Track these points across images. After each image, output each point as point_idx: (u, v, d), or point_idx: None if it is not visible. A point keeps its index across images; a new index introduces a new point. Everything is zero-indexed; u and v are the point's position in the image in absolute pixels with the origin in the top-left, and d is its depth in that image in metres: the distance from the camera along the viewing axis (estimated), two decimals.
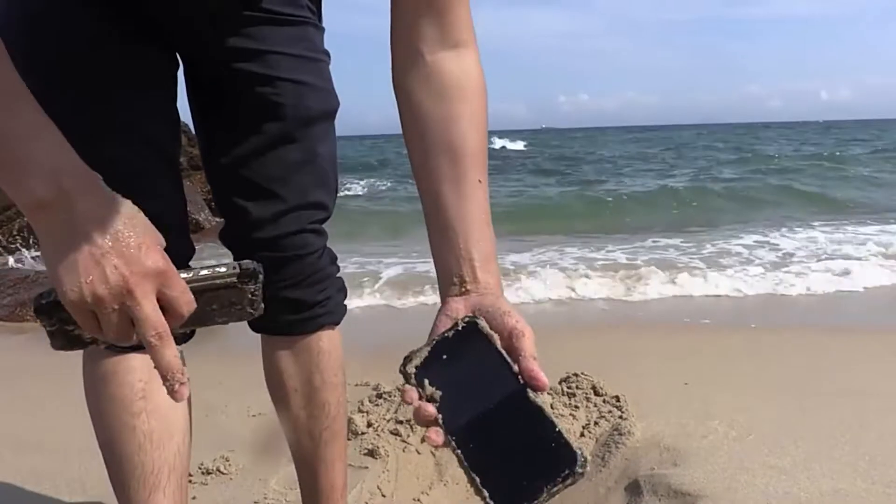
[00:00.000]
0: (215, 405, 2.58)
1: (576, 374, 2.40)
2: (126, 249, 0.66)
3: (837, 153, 19.88)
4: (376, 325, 4.08)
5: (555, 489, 0.65)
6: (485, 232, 0.81)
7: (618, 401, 2.26)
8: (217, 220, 8.41)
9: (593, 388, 2.32)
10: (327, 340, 1.31)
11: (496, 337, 0.74)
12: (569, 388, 2.33)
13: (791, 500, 1.64)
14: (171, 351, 0.68)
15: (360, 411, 2.22)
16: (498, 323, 0.74)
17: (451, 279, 0.79)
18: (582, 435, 2.10)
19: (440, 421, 0.71)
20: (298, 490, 1.72)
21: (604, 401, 2.27)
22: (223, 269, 0.74)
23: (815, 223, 7.53)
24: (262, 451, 2.14)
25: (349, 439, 2.11)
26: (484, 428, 0.70)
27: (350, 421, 2.15)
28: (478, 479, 0.67)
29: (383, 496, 1.88)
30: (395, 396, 2.24)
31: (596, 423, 2.16)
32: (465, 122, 0.85)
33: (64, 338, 0.72)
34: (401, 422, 2.12)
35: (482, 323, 0.75)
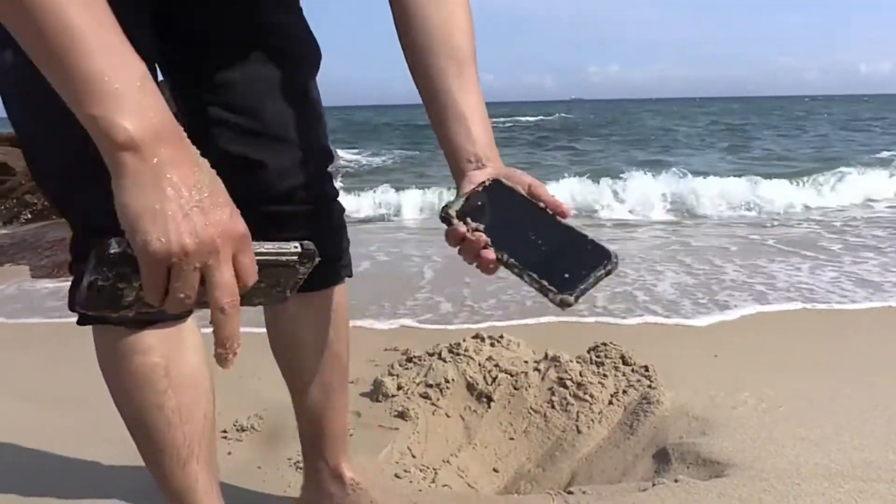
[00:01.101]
0: (247, 369, 2.63)
1: (604, 344, 2.40)
2: (214, 207, 0.63)
3: None
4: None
5: (599, 275, 0.79)
6: (487, 120, 0.96)
7: (647, 370, 2.26)
8: None
9: (622, 357, 2.32)
10: (339, 293, 1.32)
11: (519, 187, 0.89)
12: (597, 356, 2.33)
13: (821, 470, 1.64)
14: (237, 320, 0.67)
15: (391, 374, 2.25)
16: (517, 180, 0.90)
17: (466, 159, 0.93)
18: (610, 403, 2.11)
19: (489, 244, 0.84)
20: None
21: (632, 370, 2.27)
22: (287, 248, 0.72)
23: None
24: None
25: (380, 401, 2.15)
26: (528, 243, 0.83)
27: (380, 384, 2.19)
28: (535, 274, 0.80)
29: (413, 457, 1.92)
30: (424, 360, 2.27)
31: (625, 392, 2.16)
32: (464, 25, 0.98)
33: (107, 297, 0.66)
34: (430, 385, 2.15)
35: (504, 179, 0.90)
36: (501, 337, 2.41)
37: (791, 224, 6.22)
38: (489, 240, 0.83)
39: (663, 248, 5.13)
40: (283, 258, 0.72)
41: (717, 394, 2.20)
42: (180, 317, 1.07)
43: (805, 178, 8.46)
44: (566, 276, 0.79)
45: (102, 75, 0.60)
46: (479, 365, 2.22)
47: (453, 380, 2.17)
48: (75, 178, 0.93)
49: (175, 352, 1.07)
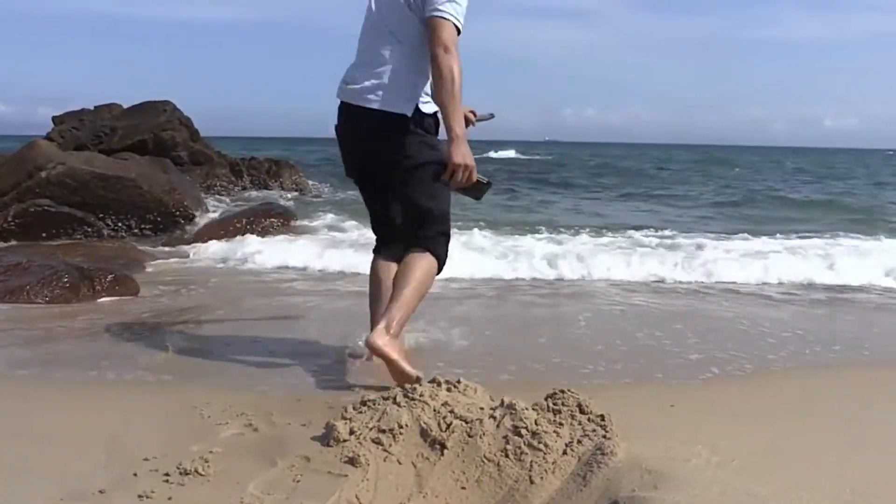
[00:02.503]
0: (198, 398, 2.57)
1: (562, 391, 2.38)
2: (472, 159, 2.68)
3: None
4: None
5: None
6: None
7: (602, 420, 2.24)
8: (209, 215, 8.38)
9: (579, 405, 2.31)
10: (413, 256, 2.78)
11: None
12: (554, 404, 2.31)
13: None
14: (474, 176, 2.71)
15: (344, 418, 2.20)
16: None
17: None
18: (564, 453, 2.09)
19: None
20: (275, 496, 1.72)
21: (588, 419, 2.25)
22: (483, 178, 2.77)
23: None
24: (244, 453, 2.13)
25: (331, 446, 2.10)
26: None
27: (332, 428, 2.14)
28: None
29: None
30: (379, 404, 2.23)
31: (579, 442, 2.14)
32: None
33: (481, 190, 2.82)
34: (383, 430, 2.10)
35: None
36: (458, 382, 2.38)
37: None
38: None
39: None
40: (482, 179, 2.77)
41: (672, 445, 2.20)
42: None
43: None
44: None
45: (461, 123, 2.66)
46: (434, 410, 2.19)
47: (407, 425, 2.13)
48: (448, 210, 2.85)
49: (393, 266, 2.92)
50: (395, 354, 2.59)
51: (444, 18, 2.56)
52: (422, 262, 2.74)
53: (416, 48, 2.66)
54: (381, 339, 2.58)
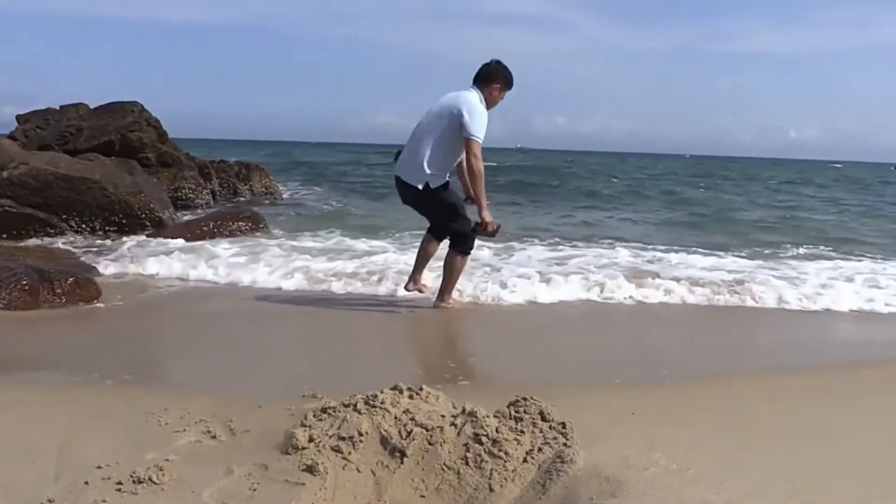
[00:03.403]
0: (157, 404, 2.53)
1: (524, 399, 2.38)
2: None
3: None
4: (326, 340, 4.04)
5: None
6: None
7: (563, 427, 2.25)
8: (181, 215, 8.28)
9: (541, 413, 2.31)
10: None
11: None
12: (516, 412, 2.31)
13: None
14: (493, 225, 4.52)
15: (303, 425, 2.18)
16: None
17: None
18: (525, 461, 2.09)
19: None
20: None
21: (550, 427, 2.26)
22: (497, 223, 4.54)
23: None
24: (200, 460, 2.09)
25: (289, 454, 2.08)
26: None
27: (291, 436, 2.12)
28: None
29: None
30: (339, 411, 2.21)
31: (540, 450, 2.14)
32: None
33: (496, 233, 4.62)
34: (343, 438, 2.09)
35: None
36: (421, 389, 2.37)
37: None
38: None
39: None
40: (497, 223, 4.55)
41: (631, 453, 2.21)
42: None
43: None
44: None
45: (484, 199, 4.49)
46: (395, 418, 2.18)
47: (367, 433, 2.11)
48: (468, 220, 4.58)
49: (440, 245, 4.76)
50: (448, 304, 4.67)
51: (477, 139, 4.34)
52: (454, 258, 4.61)
53: (436, 150, 4.45)
54: (443, 302, 4.64)
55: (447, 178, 4.55)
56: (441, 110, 4.45)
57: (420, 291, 4.68)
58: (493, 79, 4.46)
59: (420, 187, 4.47)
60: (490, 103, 4.45)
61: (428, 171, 4.43)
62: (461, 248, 4.57)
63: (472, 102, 4.35)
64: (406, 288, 4.72)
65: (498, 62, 4.52)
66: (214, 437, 2.28)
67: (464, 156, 4.47)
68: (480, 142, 4.32)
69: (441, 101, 4.49)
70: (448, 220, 4.56)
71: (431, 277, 4.82)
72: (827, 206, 16.23)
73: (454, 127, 4.34)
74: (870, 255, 7.92)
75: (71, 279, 4.64)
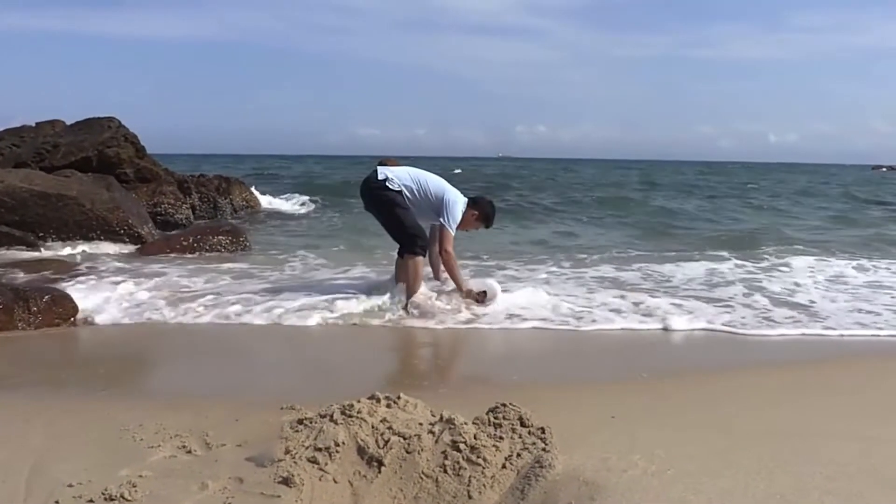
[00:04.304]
0: (133, 419, 2.49)
1: (503, 405, 2.37)
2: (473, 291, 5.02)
3: None
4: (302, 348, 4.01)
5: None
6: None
7: (543, 432, 2.24)
8: (161, 232, 8.21)
9: (520, 419, 2.30)
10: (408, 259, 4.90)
11: None
12: (496, 418, 2.30)
13: None
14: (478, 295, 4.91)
15: (280, 437, 2.16)
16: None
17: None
18: (503, 467, 2.08)
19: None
20: None
21: (529, 432, 2.25)
22: (482, 290, 4.94)
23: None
24: (175, 476, 2.06)
25: (265, 466, 2.05)
26: None
27: (267, 448, 2.09)
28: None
29: None
30: (315, 422, 2.19)
31: (519, 455, 2.14)
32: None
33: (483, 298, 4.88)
34: (319, 449, 2.07)
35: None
36: (399, 398, 2.35)
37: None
38: None
39: None
40: (482, 291, 4.93)
41: (610, 456, 2.21)
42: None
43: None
44: None
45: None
46: (373, 427, 2.16)
47: (344, 443, 2.09)
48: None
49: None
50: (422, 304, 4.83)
51: (448, 229, 4.88)
52: (406, 261, 4.92)
53: (419, 208, 4.97)
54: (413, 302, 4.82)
55: (408, 206, 4.90)
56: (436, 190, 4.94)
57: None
58: (477, 206, 5.04)
59: (380, 178, 4.89)
60: (464, 221, 4.96)
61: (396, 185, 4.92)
62: (410, 249, 4.87)
63: (457, 202, 4.90)
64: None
65: (491, 203, 5.20)
66: (190, 451, 2.25)
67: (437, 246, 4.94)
68: (452, 231, 4.84)
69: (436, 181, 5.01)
70: (394, 225, 4.94)
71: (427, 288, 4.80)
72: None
73: (437, 209, 4.88)
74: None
75: (47, 297, 4.57)
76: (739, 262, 7.26)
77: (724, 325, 4.55)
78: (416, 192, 4.90)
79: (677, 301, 5.21)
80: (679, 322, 4.53)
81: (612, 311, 4.86)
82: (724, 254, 7.83)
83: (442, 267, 5.05)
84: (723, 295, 5.52)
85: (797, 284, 6.01)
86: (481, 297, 4.81)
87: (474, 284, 4.95)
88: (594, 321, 4.60)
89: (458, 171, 30.16)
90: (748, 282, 6.11)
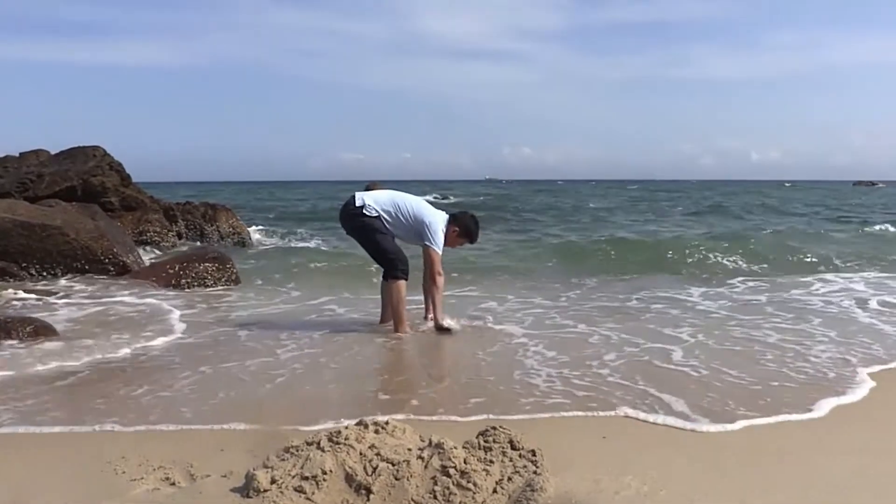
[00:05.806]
0: (115, 453, 2.43)
1: (493, 428, 2.34)
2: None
3: None
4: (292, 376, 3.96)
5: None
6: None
7: (533, 455, 2.21)
8: (147, 261, 8.13)
9: (510, 441, 2.27)
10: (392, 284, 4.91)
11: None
12: (486, 441, 2.27)
13: None
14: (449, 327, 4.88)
15: (265, 466, 2.11)
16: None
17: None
18: (494, 491, 2.05)
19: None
20: None
21: (520, 455, 2.22)
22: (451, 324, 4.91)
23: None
24: None
25: (250, 497, 2.01)
26: None
27: (252, 478, 2.05)
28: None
29: None
30: (302, 450, 2.14)
31: (510, 479, 2.10)
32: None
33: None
34: (306, 477, 2.02)
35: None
36: (387, 423, 2.32)
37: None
38: None
39: None
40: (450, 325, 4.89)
41: (602, 477, 2.18)
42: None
43: None
44: None
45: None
46: (360, 454, 2.12)
47: (331, 471, 2.05)
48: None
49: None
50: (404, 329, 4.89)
51: (434, 249, 4.89)
52: (390, 285, 4.96)
53: (400, 231, 4.97)
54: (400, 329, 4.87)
55: (387, 231, 4.90)
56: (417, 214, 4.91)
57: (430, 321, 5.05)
58: (458, 222, 5.01)
59: (357, 204, 4.89)
60: (448, 240, 4.96)
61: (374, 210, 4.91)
62: (392, 274, 4.89)
63: (437, 221, 4.90)
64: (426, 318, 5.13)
65: (473, 217, 5.14)
66: (173, 483, 2.20)
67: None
68: (439, 252, 4.87)
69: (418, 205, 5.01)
70: (374, 251, 4.96)
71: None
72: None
73: (418, 231, 4.88)
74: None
75: (30, 327, 4.52)
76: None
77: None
78: (394, 215, 4.89)
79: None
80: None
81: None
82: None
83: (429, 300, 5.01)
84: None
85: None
86: (445, 333, 4.76)
87: (448, 320, 4.86)
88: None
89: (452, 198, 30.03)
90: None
